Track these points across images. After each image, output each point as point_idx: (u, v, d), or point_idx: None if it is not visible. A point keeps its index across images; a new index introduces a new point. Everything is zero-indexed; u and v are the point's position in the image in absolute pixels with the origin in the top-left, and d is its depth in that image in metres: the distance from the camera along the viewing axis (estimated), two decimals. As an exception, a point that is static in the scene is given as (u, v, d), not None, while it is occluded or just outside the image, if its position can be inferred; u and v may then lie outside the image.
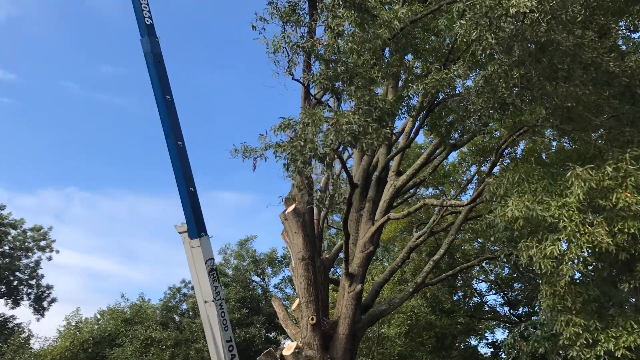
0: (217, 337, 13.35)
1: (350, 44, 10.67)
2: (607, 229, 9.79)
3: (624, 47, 12.43)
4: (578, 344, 10.91)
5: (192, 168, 14.16)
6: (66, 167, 75.80)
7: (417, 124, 15.52)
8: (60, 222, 69.49)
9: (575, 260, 10.18)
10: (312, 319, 12.51)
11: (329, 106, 12.30)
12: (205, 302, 13.44)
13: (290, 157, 9.18)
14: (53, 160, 75.34)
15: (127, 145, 78.71)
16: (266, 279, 34.92)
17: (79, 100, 75.92)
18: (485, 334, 29.58)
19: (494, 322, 29.31)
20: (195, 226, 13.69)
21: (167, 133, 13.99)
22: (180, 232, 13.81)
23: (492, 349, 28.99)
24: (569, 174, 10.13)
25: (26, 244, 34.89)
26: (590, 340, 10.86)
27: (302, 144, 9.11)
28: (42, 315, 35.51)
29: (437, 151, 16.56)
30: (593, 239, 9.70)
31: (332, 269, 20.21)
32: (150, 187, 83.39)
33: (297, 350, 12.42)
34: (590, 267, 12.53)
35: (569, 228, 9.81)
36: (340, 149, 9.46)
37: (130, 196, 77.64)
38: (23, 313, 69.14)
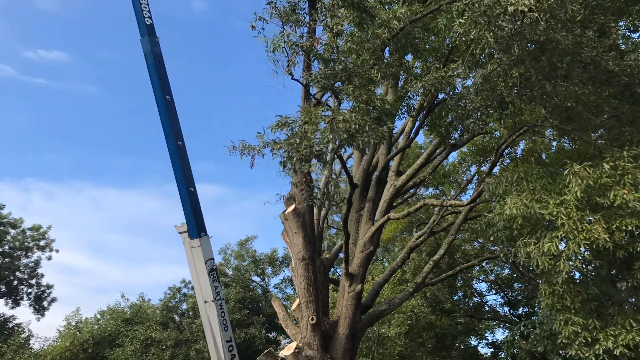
0: (217, 337, 13.36)
1: (349, 44, 10.68)
2: (605, 226, 9.82)
3: (623, 47, 12.43)
4: (577, 342, 10.94)
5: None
6: (22, 158, 72.34)
7: (417, 124, 15.54)
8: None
9: (573, 258, 10.20)
10: (312, 319, 12.52)
11: (329, 106, 12.31)
12: (205, 302, 13.45)
13: (287, 154, 9.20)
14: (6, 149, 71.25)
15: (84, 133, 76.23)
16: (266, 279, 34.95)
17: (14, 84, 71.65)
18: (485, 334, 29.59)
19: (494, 322, 29.31)
20: (195, 226, 13.70)
21: (167, 133, 13.99)
22: (180, 232, 13.83)
23: (492, 349, 29.03)
24: (566, 172, 10.16)
25: (26, 243, 34.91)
26: (589, 339, 10.89)
27: (298, 141, 9.12)
28: (42, 315, 35.57)
29: (437, 151, 16.57)
30: (591, 236, 9.73)
31: (332, 269, 20.24)
32: (113, 178, 79.49)
33: (297, 350, 12.43)
34: (589, 267, 12.57)
35: (567, 225, 9.84)
36: (337, 146, 9.45)
37: (92, 188, 75.28)
38: (23, 313, 69.08)
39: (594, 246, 10.01)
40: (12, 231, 34.58)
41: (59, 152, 76.58)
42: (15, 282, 34.68)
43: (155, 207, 77.09)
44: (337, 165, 17.48)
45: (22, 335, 32.31)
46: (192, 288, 33.89)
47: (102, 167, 73.66)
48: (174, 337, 29.17)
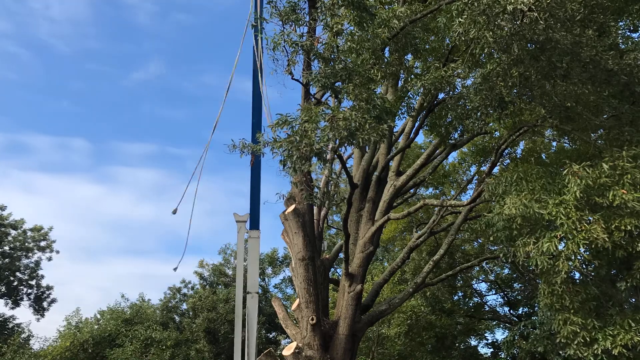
0: (253, 330, 13.50)
1: (349, 43, 10.70)
2: (604, 226, 9.81)
3: (623, 46, 12.44)
4: (575, 342, 10.93)
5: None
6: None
7: (417, 124, 15.55)
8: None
9: (573, 258, 10.21)
10: (312, 319, 12.52)
11: (329, 105, 12.32)
12: (249, 292, 13.67)
13: (287, 153, 9.22)
14: None
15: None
16: (266, 279, 34.98)
17: None
18: (485, 334, 29.58)
19: (494, 322, 29.31)
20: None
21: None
22: (238, 221, 14.15)
23: (492, 349, 29.02)
24: (565, 172, 10.17)
25: (26, 244, 34.94)
26: (588, 339, 10.88)
27: (298, 139, 9.13)
28: (42, 315, 35.60)
29: (437, 151, 16.57)
30: (590, 236, 9.73)
31: (332, 269, 20.23)
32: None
33: (297, 350, 12.43)
34: (588, 267, 12.57)
35: (566, 225, 9.84)
36: (337, 144, 9.47)
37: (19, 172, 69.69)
38: (23, 313, 68.97)
39: (593, 246, 10.01)
40: (13, 232, 34.63)
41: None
42: (15, 283, 34.71)
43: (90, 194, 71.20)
44: (337, 166, 17.50)
45: (22, 336, 32.35)
46: (193, 288, 34.01)
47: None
48: (174, 337, 29.22)
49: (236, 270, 14.26)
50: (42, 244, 35.64)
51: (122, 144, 75.72)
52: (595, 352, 10.85)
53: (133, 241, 70.64)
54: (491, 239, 15.44)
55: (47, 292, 36.07)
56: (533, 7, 9.05)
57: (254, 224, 13.81)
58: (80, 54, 72.77)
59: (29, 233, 35.24)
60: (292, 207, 13.43)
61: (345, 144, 9.55)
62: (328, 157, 9.57)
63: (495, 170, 16.39)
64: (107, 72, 74.88)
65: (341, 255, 14.86)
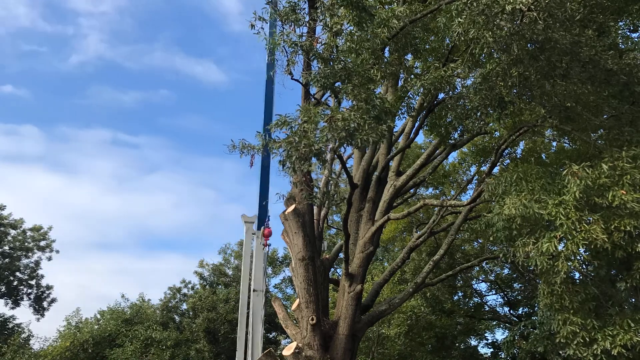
0: (258, 327, 13.61)
1: (348, 43, 10.69)
2: (604, 226, 9.80)
3: (622, 46, 12.44)
4: (575, 342, 10.93)
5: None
6: None
7: (417, 124, 15.55)
8: None
9: (572, 258, 10.21)
10: (312, 319, 12.52)
11: (328, 106, 12.32)
12: (255, 290, 13.80)
13: (286, 153, 9.22)
14: None
15: None
16: (266, 279, 34.89)
17: None
18: (485, 334, 29.59)
19: (494, 322, 29.31)
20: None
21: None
22: (246, 222, 14.41)
23: (492, 349, 29.02)
24: (565, 172, 10.16)
25: (26, 244, 34.96)
26: (587, 339, 10.88)
27: (297, 140, 9.13)
28: (42, 315, 35.61)
29: (437, 151, 16.57)
30: (589, 236, 9.73)
31: (332, 269, 20.22)
32: None
33: (297, 350, 12.43)
34: (588, 267, 12.57)
35: (566, 226, 9.83)
36: (336, 145, 9.47)
37: None
38: (23, 313, 68.99)
39: (593, 246, 10.00)
40: (13, 232, 34.64)
41: None
42: (15, 283, 34.72)
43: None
44: (337, 165, 17.52)
45: (22, 336, 32.35)
46: (193, 288, 34.02)
47: None
48: (174, 337, 29.23)
49: (242, 268, 14.44)
50: (42, 243, 35.67)
51: (74, 131, 73.59)
52: (595, 352, 10.83)
53: (102, 234, 69.16)
54: (491, 239, 15.44)
55: (47, 292, 36.09)
56: (532, 6, 9.05)
57: (262, 224, 13.99)
58: (14, 35, 70.10)
59: (28, 233, 35.26)
60: (292, 207, 13.44)
61: (345, 145, 9.54)
62: (327, 157, 9.56)
63: (495, 170, 16.39)
64: (44, 53, 72.30)
65: (341, 255, 14.86)
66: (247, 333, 13.83)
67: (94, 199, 67.89)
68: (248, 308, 13.91)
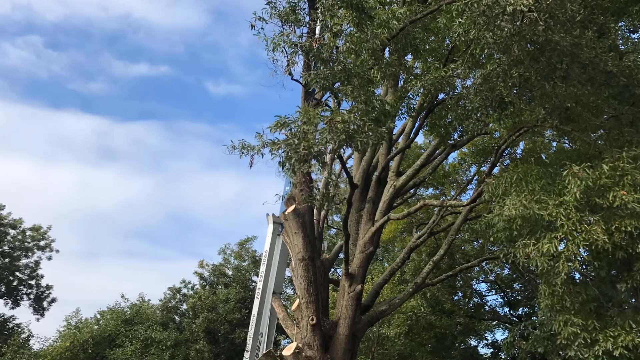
0: (273, 329, 13.67)
1: (348, 44, 10.67)
2: (604, 227, 9.79)
3: (622, 48, 12.43)
4: (576, 343, 10.93)
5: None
6: None
7: (417, 124, 15.55)
8: None
9: (573, 259, 10.20)
10: (312, 320, 12.51)
11: (328, 107, 12.31)
12: (274, 293, 13.84)
13: (286, 155, 9.21)
14: None
15: None
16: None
17: None
18: (485, 335, 29.61)
19: (494, 323, 29.32)
20: None
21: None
22: (274, 222, 14.34)
23: (492, 350, 29.02)
24: (565, 173, 10.15)
25: (25, 243, 34.89)
26: (589, 340, 10.88)
27: (296, 142, 9.12)
28: (42, 315, 35.54)
29: (437, 151, 16.57)
30: (590, 237, 9.72)
31: (332, 270, 20.24)
32: None
33: (297, 350, 12.43)
34: (589, 267, 12.56)
35: (566, 226, 9.83)
36: (336, 146, 9.45)
37: None
38: (23, 313, 68.86)
39: (593, 247, 9.99)
40: (12, 231, 34.57)
41: None
42: (15, 283, 34.68)
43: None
44: (337, 166, 17.50)
45: (22, 336, 32.29)
46: (193, 288, 33.97)
47: None
48: (174, 337, 29.21)
49: (265, 268, 14.42)
50: (42, 243, 35.60)
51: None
52: (596, 353, 10.84)
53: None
54: (491, 239, 15.42)
55: (47, 292, 36.05)
56: (533, 8, 9.03)
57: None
58: None
59: (28, 232, 35.19)
60: (292, 207, 13.43)
61: (344, 147, 9.53)
62: (327, 158, 9.54)
63: (495, 170, 16.38)
64: None
65: (341, 255, 14.87)
66: (260, 335, 13.90)
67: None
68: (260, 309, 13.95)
